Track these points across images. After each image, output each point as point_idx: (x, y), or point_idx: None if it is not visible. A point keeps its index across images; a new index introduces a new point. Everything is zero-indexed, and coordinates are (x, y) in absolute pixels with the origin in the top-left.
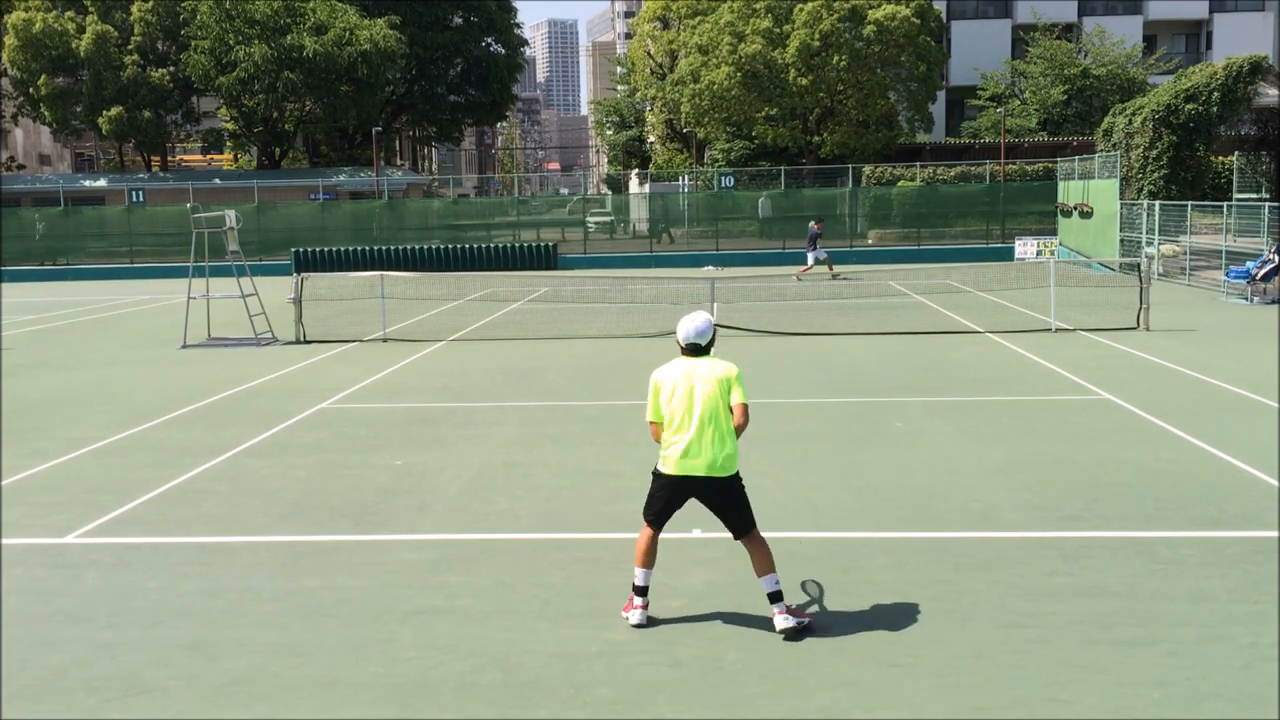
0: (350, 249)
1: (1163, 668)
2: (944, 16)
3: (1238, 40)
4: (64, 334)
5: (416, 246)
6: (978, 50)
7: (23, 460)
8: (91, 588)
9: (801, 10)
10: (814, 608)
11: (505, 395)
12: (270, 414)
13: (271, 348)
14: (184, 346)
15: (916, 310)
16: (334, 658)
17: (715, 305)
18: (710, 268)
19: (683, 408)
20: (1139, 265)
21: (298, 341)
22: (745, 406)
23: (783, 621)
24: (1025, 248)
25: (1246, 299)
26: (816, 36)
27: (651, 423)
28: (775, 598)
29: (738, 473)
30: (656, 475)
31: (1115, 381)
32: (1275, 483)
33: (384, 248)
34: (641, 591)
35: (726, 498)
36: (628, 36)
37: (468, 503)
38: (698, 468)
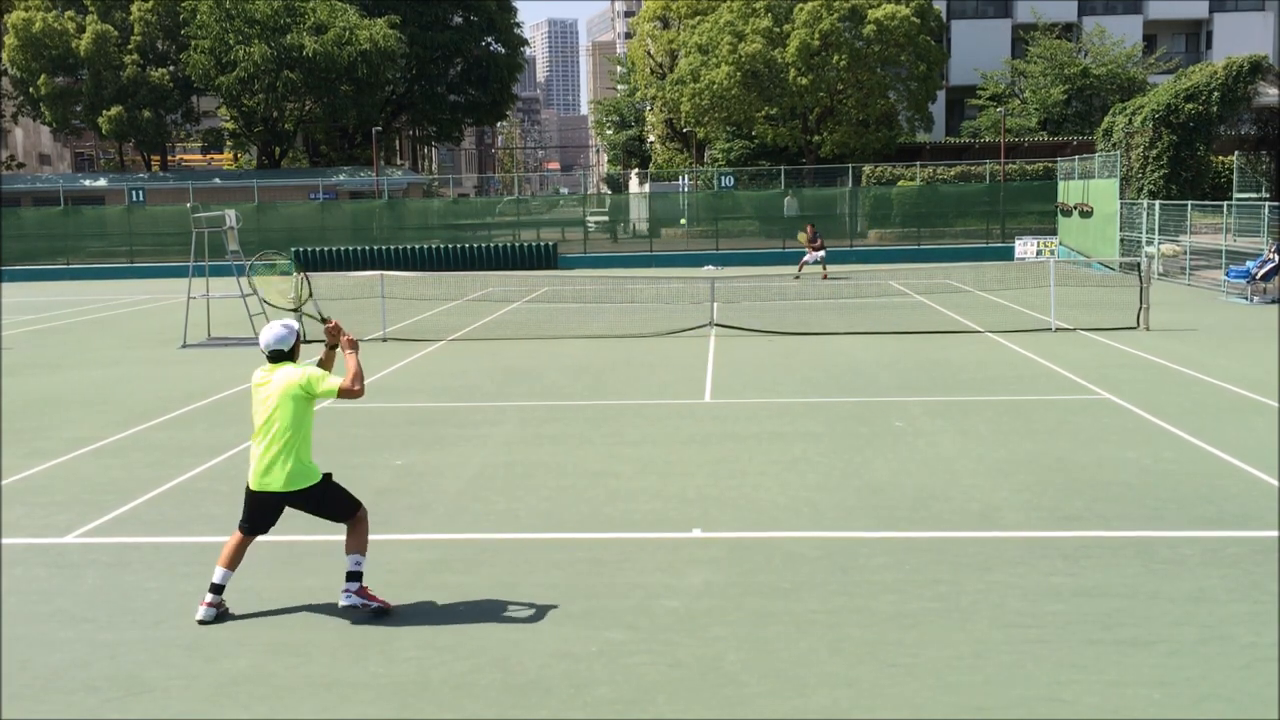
0: (350, 249)
1: (1163, 668)
2: (944, 16)
3: (1238, 40)
4: (63, 334)
5: (416, 246)
6: (978, 50)
7: (23, 460)
8: (91, 588)
9: (801, 10)
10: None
11: (505, 395)
12: None
13: None
14: (184, 346)
15: (917, 310)
16: (334, 658)
17: (715, 305)
18: (710, 267)
19: (261, 418)
20: (1139, 265)
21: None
22: (340, 386)
23: (345, 599)
24: (1025, 247)
25: (1246, 299)
26: (816, 36)
27: None
28: (352, 576)
29: (324, 475)
30: (248, 489)
31: (1115, 381)
32: (1275, 483)
33: (384, 247)
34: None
35: (318, 503)
36: (628, 36)
37: (468, 503)
38: (273, 484)
